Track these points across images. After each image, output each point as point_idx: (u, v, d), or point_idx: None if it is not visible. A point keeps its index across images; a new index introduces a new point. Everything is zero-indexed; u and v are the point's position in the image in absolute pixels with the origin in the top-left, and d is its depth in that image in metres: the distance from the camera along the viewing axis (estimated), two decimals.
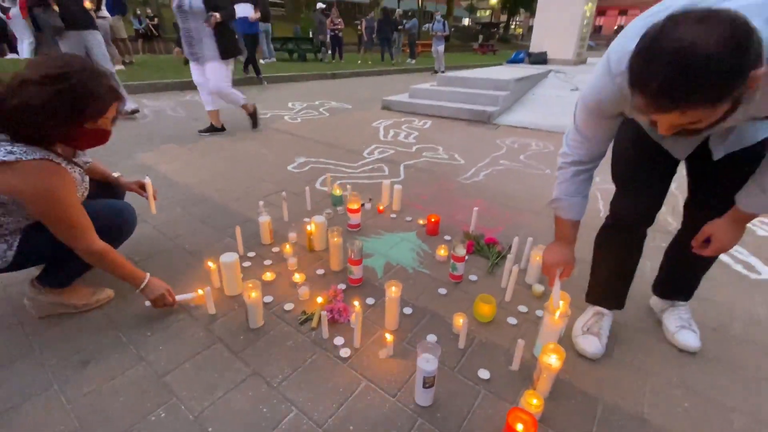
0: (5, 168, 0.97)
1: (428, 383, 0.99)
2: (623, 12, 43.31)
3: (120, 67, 6.57)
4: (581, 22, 7.46)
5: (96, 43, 3.49)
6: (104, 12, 6.18)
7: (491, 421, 0.99)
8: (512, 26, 41.23)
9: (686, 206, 1.17)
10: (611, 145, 1.08)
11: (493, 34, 28.33)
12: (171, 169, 2.68)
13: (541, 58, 7.21)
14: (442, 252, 1.69)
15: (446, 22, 10.12)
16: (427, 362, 0.97)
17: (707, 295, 1.49)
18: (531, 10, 12.81)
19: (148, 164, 2.76)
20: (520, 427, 0.89)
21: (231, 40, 3.25)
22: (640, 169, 1.09)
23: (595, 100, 0.91)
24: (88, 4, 3.37)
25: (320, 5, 10.98)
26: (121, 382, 1.06)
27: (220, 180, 2.52)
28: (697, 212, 1.11)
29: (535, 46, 7.75)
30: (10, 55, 7.01)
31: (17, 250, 1.12)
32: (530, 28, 10.14)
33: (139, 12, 11.98)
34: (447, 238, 1.87)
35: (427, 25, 13.49)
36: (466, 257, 1.61)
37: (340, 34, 10.71)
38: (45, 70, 0.98)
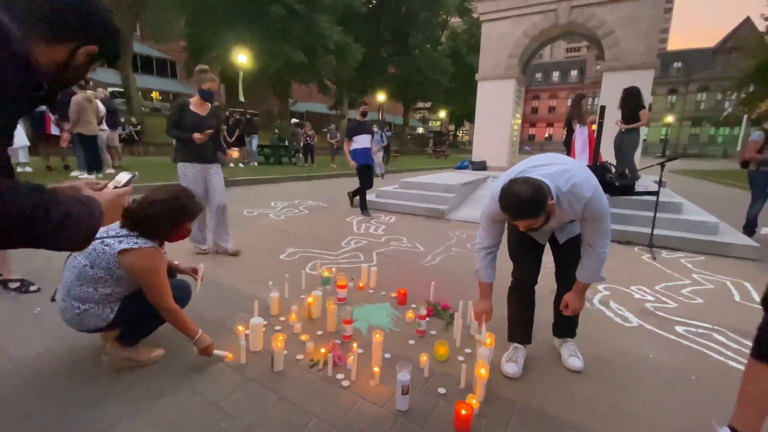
0: (131, 252, 1.52)
1: (405, 391, 1.51)
2: (550, 124, 51.54)
3: (111, 170, 7.20)
4: (510, 134, 9.33)
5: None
6: (104, 126, 7.03)
7: (447, 419, 1.50)
8: (459, 134, 47.55)
9: (555, 275, 1.90)
10: (506, 238, 1.84)
11: (443, 140, 32.56)
12: (183, 260, 3.16)
13: (481, 166, 8.78)
14: (410, 315, 2.28)
15: (383, 133, 11.45)
16: (403, 375, 1.51)
17: (594, 337, 2.15)
18: (473, 121, 15.52)
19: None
20: (462, 411, 1.42)
21: None
22: (522, 251, 1.84)
23: (489, 213, 1.68)
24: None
25: (294, 120, 12.74)
26: (187, 408, 1.48)
27: (225, 268, 3.03)
28: (560, 280, 1.85)
29: (476, 155, 9.44)
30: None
31: (116, 314, 1.60)
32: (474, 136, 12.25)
33: (123, 119, 13.10)
34: (413, 306, 2.46)
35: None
36: (427, 318, 2.20)
37: (312, 142, 12.25)
38: (163, 195, 1.61)
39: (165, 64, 29.87)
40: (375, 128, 10.93)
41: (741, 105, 23.55)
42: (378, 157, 10.74)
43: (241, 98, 16.15)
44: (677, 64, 47.22)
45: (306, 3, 19.38)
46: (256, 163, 11.52)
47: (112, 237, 1.54)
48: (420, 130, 50.86)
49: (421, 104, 40.35)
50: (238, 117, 11.51)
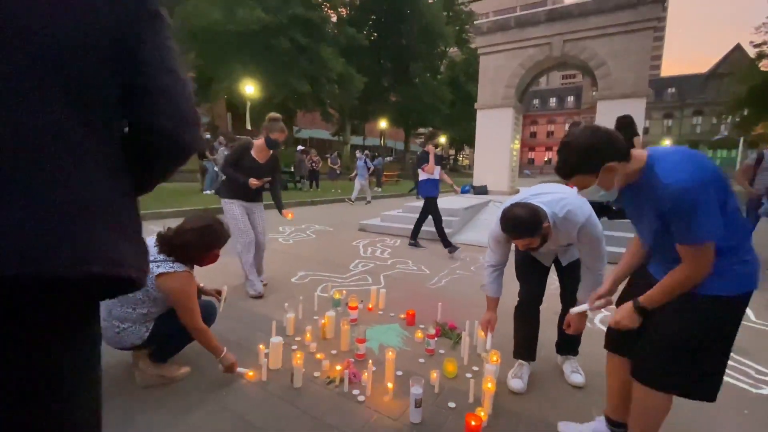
0: (168, 276, 1.68)
1: (418, 404, 1.62)
2: (549, 148, 52.31)
3: None
4: (510, 159, 9.60)
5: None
6: None
7: (458, 430, 1.60)
8: (460, 158, 48.24)
9: (560, 296, 2.04)
10: (513, 260, 2.00)
11: (444, 165, 33.03)
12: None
13: (483, 190, 9.00)
14: (419, 335, 2.40)
15: (367, 158, 11.18)
16: (416, 389, 1.63)
17: (594, 355, 2.25)
18: (474, 145, 15.97)
19: None
20: (472, 423, 1.53)
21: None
22: (528, 272, 1.99)
23: (495, 234, 1.84)
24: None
25: (300, 147, 13.15)
26: (217, 420, 1.59)
27: (240, 291, 3.16)
28: (563, 300, 1.98)
29: (477, 179, 9.68)
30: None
31: (150, 332, 1.73)
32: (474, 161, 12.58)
33: None
34: (422, 326, 2.58)
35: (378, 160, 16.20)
36: (436, 338, 2.32)
37: (317, 168, 12.58)
38: (197, 224, 1.79)
39: None
40: (357, 154, 11.39)
41: (736, 128, 24.03)
42: (360, 183, 10.62)
43: (248, 126, 16.69)
44: (671, 90, 48.43)
45: (310, 36, 20.34)
46: None
47: (150, 262, 1.70)
48: None
49: (422, 130, 41.19)
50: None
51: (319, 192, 12.25)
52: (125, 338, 1.70)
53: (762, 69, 21.15)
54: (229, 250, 3.73)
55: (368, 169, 11.02)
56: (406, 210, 6.73)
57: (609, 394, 1.53)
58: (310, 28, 20.46)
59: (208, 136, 14.24)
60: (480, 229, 6.14)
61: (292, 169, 13.19)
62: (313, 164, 12.75)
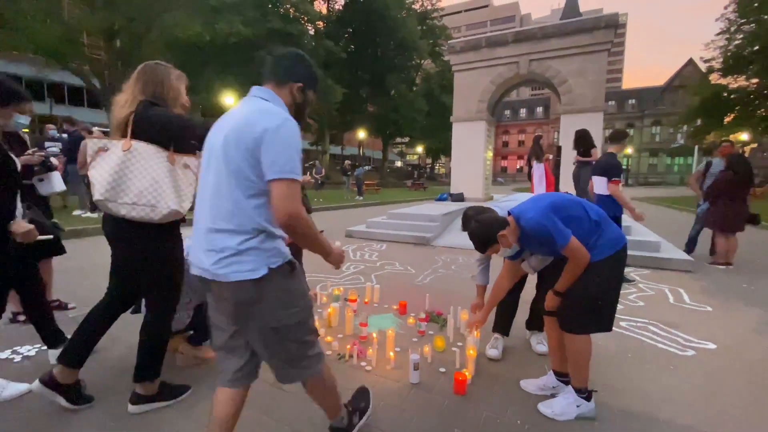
0: None
1: (416, 367, 2.02)
2: (521, 157, 54.32)
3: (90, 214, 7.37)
4: (484, 168, 10.25)
5: None
6: None
7: (448, 387, 2.01)
8: (436, 167, 49.41)
9: (536, 285, 2.47)
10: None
11: (421, 174, 33.88)
12: None
13: (459, 197, 9.58)
14: (411, 321, 2.81)
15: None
16: (414, 356, 2.03)
17: None
18: (449, 155, 16.81)
19: None
20: (460, 378, 1.94)
21: None
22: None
23: None
24: None
25: None
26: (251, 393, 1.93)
27: None
28: (538, 289, 2.41)
29: (454, 187, 10.27)
30: None
31: (191, 318, 2.06)
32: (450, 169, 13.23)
33: None
34: (412, 314, 2.99)
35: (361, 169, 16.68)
36: (426, 323, 2.73)
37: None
38: None
39: None
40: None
41: (691, 137, 25.98)
42: None
43: None
44: (632, 101, 51.70)
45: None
46: None
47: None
48: (398, 163, 52.64)
49: (399, 140, 42.02)
50: None
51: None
52: (173, 323, 2.02)
53: (713, 82, 23.16)
54: None
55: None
56: (391, 217, 7.16)
57: (550, 350, 2.01)
58: (289, 41, 20.84)
59: None
60: (458, 233, 6.62)
61: None
62: None
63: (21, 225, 1.71)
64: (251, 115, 1.15)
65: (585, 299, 1.71)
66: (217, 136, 1.20)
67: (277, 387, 1.91)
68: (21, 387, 1.83)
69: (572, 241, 1.64)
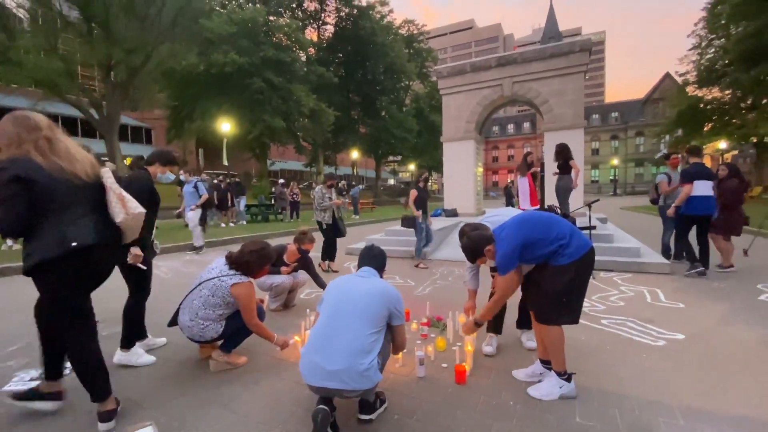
0: (239, 285, 2.33)
1: (421, 362, 2.33)
2: (510, 171, 55.33)
3: None
4: (475, 184, 10.69)
5: None
6: None
7: (450, 379, 2.31)
8: (429, 184, 50.13)
9: (521, 287, 2.80)
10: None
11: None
12: None
13: (453, 213, 9.97)
14: (414, 326, 3.11)
15: (200, 182, 8.00)
16: (420, 353, 2.34)
17: None
18: (441, 172, 17.48)
19: None
20: (460, 369, 2.25)
21: None
22: None
23: None
24: None
25: (281, 180, 13.81)
26: (280, 386, 2.22)
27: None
28: (524, 290, 2.75)
29: (448, 203, 10.69)
30: None
31: (224, 328, 2.36)
32: (443, 185, 13.67)
33: None
34: (415, 320, 3.29)
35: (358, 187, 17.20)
36: (428, 327, 3.04)
37: (298, 200, 13.22)
38: (254, 247, 2.46)
39: (140, 131, 30.78)
40: (182, 176, 7.02)
41: (672, 147, 26.92)
42: (194, 220, 7.08)
43: (225, 162, 17.16)
44: (615, 114, 53.42)
45: (282, 76, 21.44)
46: (244, 222, 12.27)
47: (224, 275, 2.36)
48: (391, 181, 53.36)
49: (391, 158, 42.78)
50: (229, 181, 12.43)
51: (300, 222, 12.81)
52: (207, 333, 2.31)
53: (690, 94, 24.30)
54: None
55: (200, 196, 7.03)
56: (388, 233, 7.49)
57: (537, 341, 2.35)
58: (282, 68, 21.62)
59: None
60: (453, 247, 6.98)
61: (273, 202, 13.75)
62: (295, 196, 13.39)
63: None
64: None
65: (555, 296, 2.05)
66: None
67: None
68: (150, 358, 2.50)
69: (507, 276, 2.09)
